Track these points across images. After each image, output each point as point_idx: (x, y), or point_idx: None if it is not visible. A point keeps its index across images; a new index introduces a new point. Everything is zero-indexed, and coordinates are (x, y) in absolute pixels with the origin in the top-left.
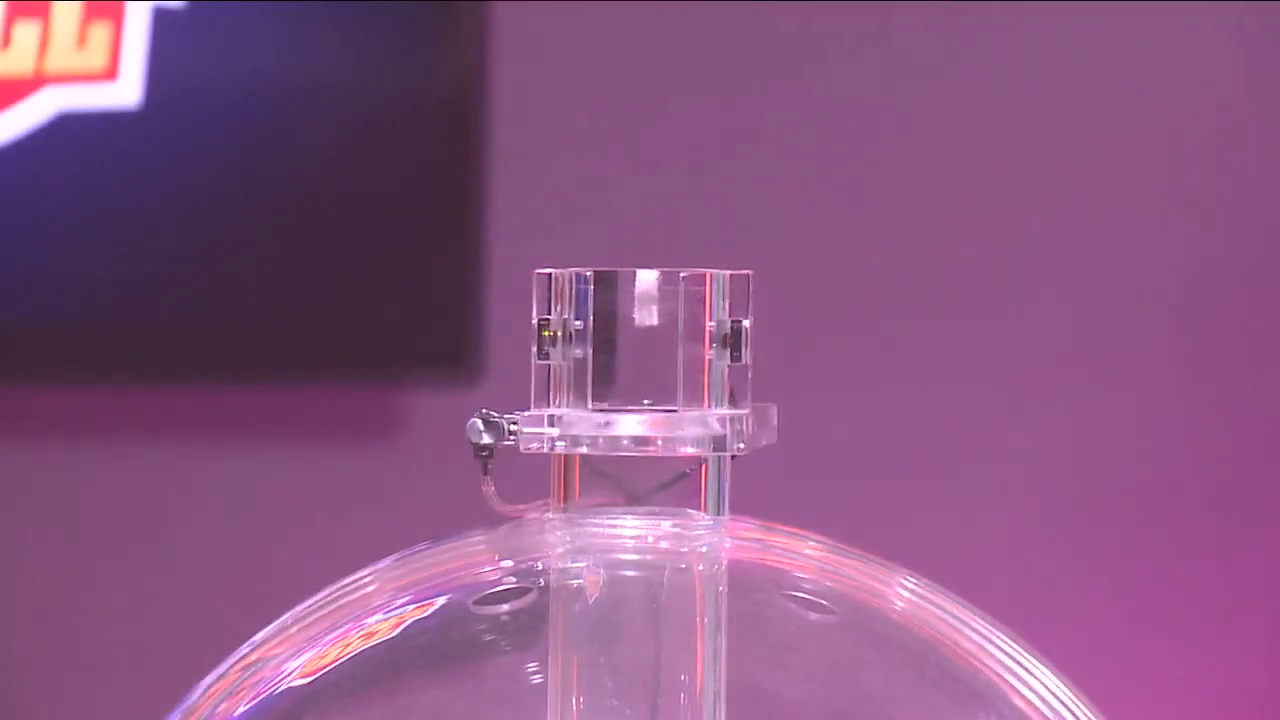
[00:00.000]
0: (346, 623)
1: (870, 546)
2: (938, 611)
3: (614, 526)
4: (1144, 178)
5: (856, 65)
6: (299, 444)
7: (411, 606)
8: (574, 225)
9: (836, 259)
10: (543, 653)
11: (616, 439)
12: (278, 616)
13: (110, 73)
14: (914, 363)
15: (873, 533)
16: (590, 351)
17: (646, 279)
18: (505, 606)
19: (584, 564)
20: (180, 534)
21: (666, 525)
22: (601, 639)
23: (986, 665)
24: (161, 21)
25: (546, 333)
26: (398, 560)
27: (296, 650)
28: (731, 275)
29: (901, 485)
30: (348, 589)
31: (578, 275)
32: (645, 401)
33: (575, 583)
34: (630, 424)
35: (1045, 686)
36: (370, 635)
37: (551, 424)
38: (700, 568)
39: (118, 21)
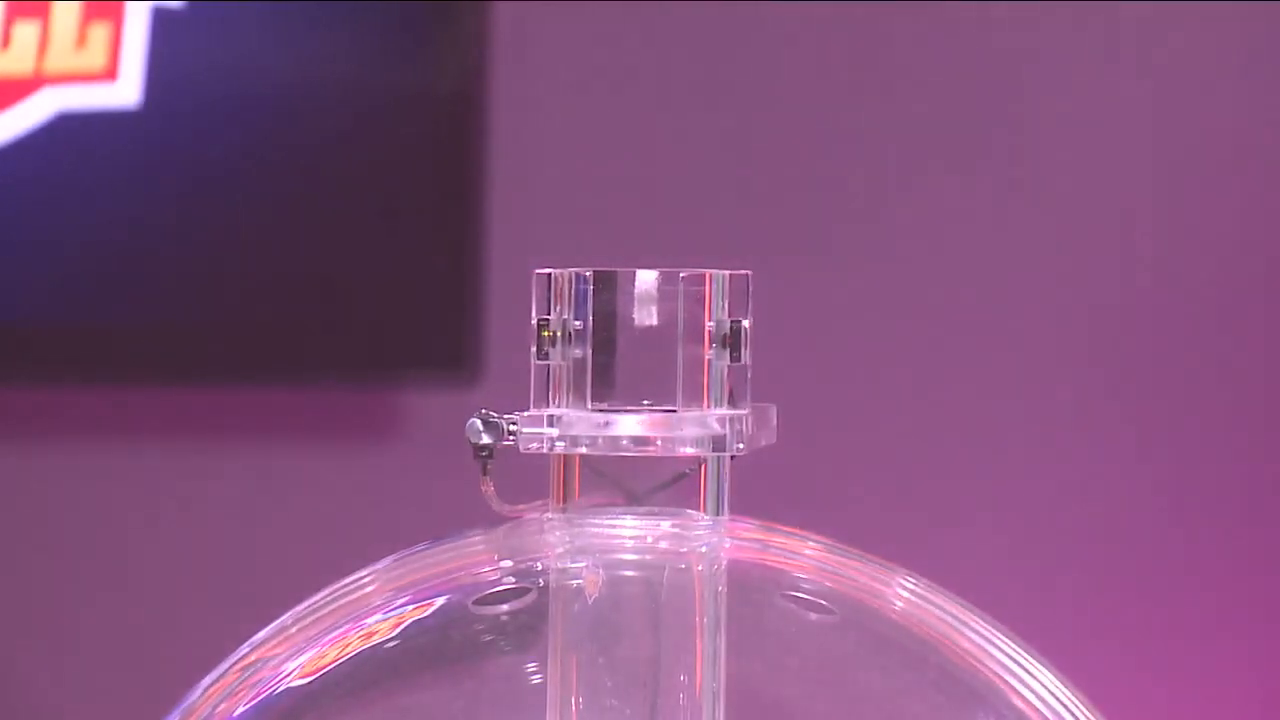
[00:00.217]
0: (346, 623)
1: (870, 546)
2: (937, 612)
3: (613, 527)
4: (1144, 178)
5: (857, 65)
6: (299, 444)
7: (411, 607)
8: (574, 225)
9: (836, 259)
10: (542, 653)
11: (616, 439)
12: (277, 617)
13: (110, 73)
14: (914, 363)
15: (873, 533)
16: (590, 352)
17: (646, 279)
18: (505, 607)
19: (583, 564)
20: (180, 534)
21: (666, 525)
22: (601, 639)
23: (986, 666)
24: (161, 21)
25: (546, 333)
26: (397, 560)
27: (296, 650)
28: (731, 275)
29: (902, 485)
30: (347, 589)
31: (577, 275)
32: (645, 402)
33: (575, 583)
34: (630, 424)
35: (1045, 687)
36: (370, 635)
37: (551, 424)
38: (700, 568)
39: (117, 22)
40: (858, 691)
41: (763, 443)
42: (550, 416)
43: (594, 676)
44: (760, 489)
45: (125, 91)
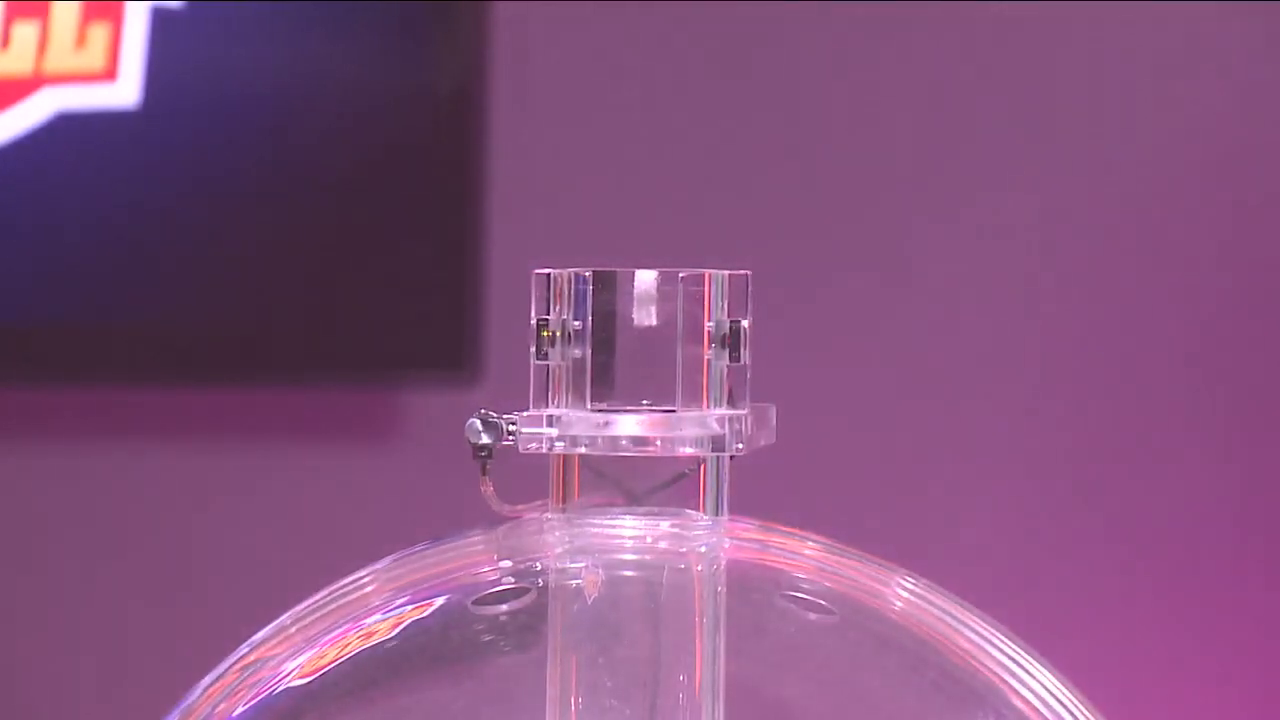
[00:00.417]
0: (345, 623)
1: (870, 546)
2: (936, 612)
3: (613, 527)
4: (1143, 178)
5: (857, 65)
6: (299, 444)
7: (410, 607)
8: (574, 225)
9: (836, 259)
10: (542, 653)
11: (615, 439)
12: (277, 617)
13: (109, 73)
14: (914, 363)
15: (872, 533)
16: (589, 352)
17: (645, 279)
18: (504, 607)
19: (583, 564)
20: (179, 534)
21: (665, 525)
22: (600, 639)
23: (985, 665)
24: (160, 22)
25: (545, 333)
26: (396, 560)
27: (295, 650)
28: (730, 275)
29: (901, 485)
30: (347, 589)
31: (577, 275)
32: (644, 402)
33: (574, 583)
34: (629, 424)
35: (1044, 686)
36: (369, 635)
37: (550, 424)
38: (699, 568)
39: (117, 22)
40: (857, 691)
41: (762, 443)
42: (550, 416)
43: (594, 676)
44: (760, 489)
45: (125, 91)
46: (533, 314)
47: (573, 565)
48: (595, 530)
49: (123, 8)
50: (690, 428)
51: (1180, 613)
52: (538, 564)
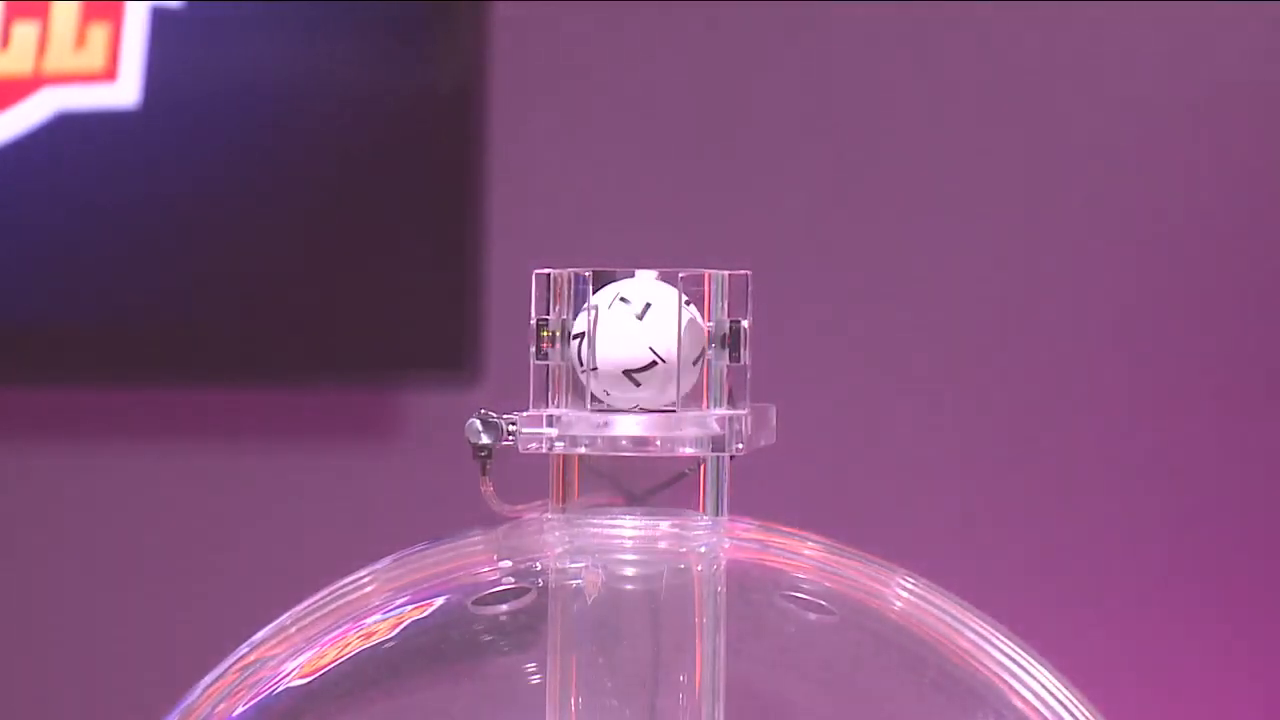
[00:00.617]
0: (345, 623)
1: (869, 546)
2: (936, 612)
3: (613, 527)
4: (1143, 178)
5: (857, 65)
6: (299, 444)
7: (410, 607)
8: (574, 225)
9: (836, 259)
10: (541, 653)
11: (615, 439)
12: (277, 617)
13: (109, 73)
14: (914, 363)
15: (872, 533)
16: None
17: (645, 279)
18: (504, 607)
19: (583, 564)
20: (179, 534)
21: (665, 525)
22: (600, 639)
23: (985, 665)
24: (160, 22)
25: (545, 333)
26: (396, 560)
27: (295, 651)
28: (730, 275)
29: (901, 485)
30: (346, 589)
31: (577, 275)
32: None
33: (574, 583)
34: (629, 424)
35: (1044, 686)
36: (369, 635)
37: (550, 424)
38: (699, 568)
39: (116, 22)
40: (857, 691)
41: (762, 443)
42: (549, 416)
43: (594, 676)
44: (760, 489)
45: (124, 92)
46: (533, 314)
47: (573, 565)
48: (595, 530)
49: (123, 8)
50: (690, 428)
51: (1180, 613)
52: (538, 564)
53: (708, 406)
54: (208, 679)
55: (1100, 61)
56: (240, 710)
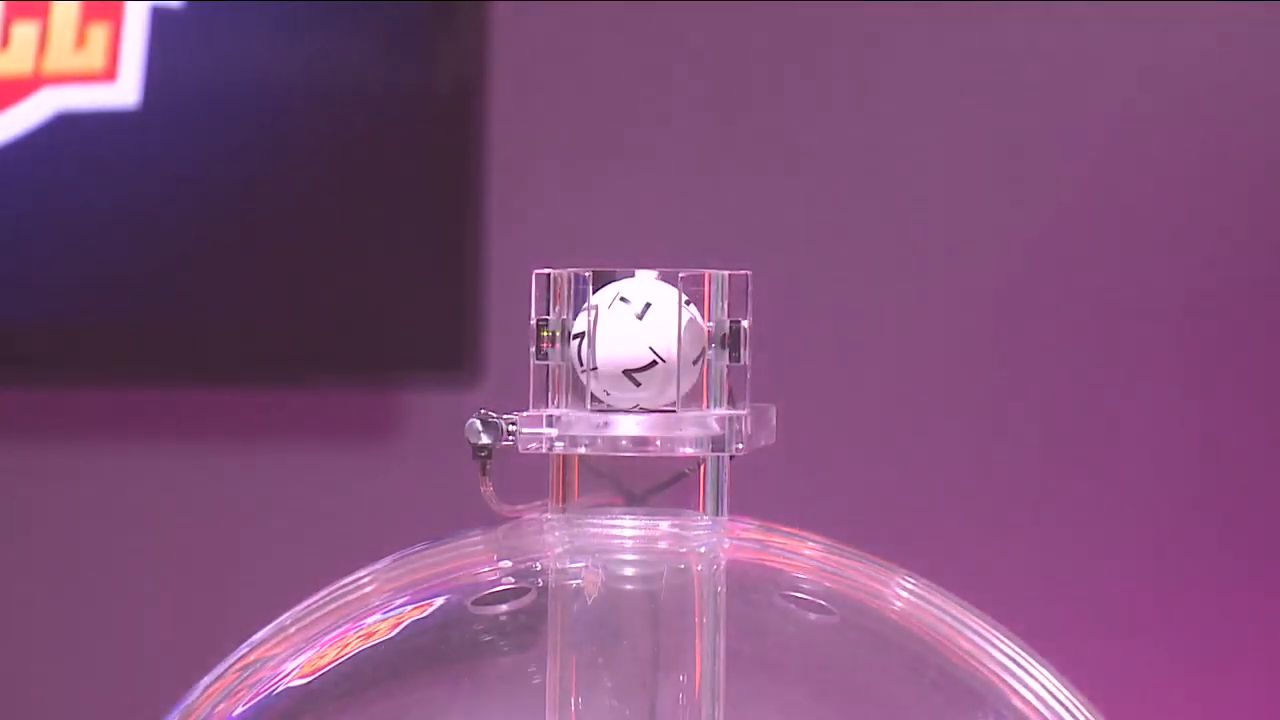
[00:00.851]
0: (345, 623)
1: (870, 546)
2: (936, 612)
3: (613, 527)
4: (1144, 178)
5: (856, 65)
6: (299, 445)
7: (410, 607)
8: (574, 225)
9: (836, 259)
10: (541, 653)
11: (615, 439)
12: (276, 617)
13: (109, 73)
14: (914, 362)
15: (872, 533)
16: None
17: (645, 279)
18: (504, 607)
19: (583, 564)
20: (179, 534)
21: (665, 525)
22: (600, 639)
23: (985, 665)
24: (160, 22)
25: (545, 333)
26: (396, 560)
27: (295, 651)
28: (730, 275)
29: (901, 485)
30: (346, 589)
31: (577, 275)
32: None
33: (574, 583)
34: (628, 424)
35: (1044, 687)
36: (369, 635)
37: (550, 424)
38: (699, 568)
39: (116, 22)
40: (857, 691)
41: (762, 443)
42: (549, 417)
43: (594, 676)
44: (760, 489)
45: (124, 91)
46: (533, 314)
47: (572, 565)
48: (595, 530)
49: (123, 8)
50: (690, 428)
51: (1180, 613)
52: (537, 564)
53: (708, 406)
54: (208, 679)
55: (1100, 61)
56: (240, 710)
